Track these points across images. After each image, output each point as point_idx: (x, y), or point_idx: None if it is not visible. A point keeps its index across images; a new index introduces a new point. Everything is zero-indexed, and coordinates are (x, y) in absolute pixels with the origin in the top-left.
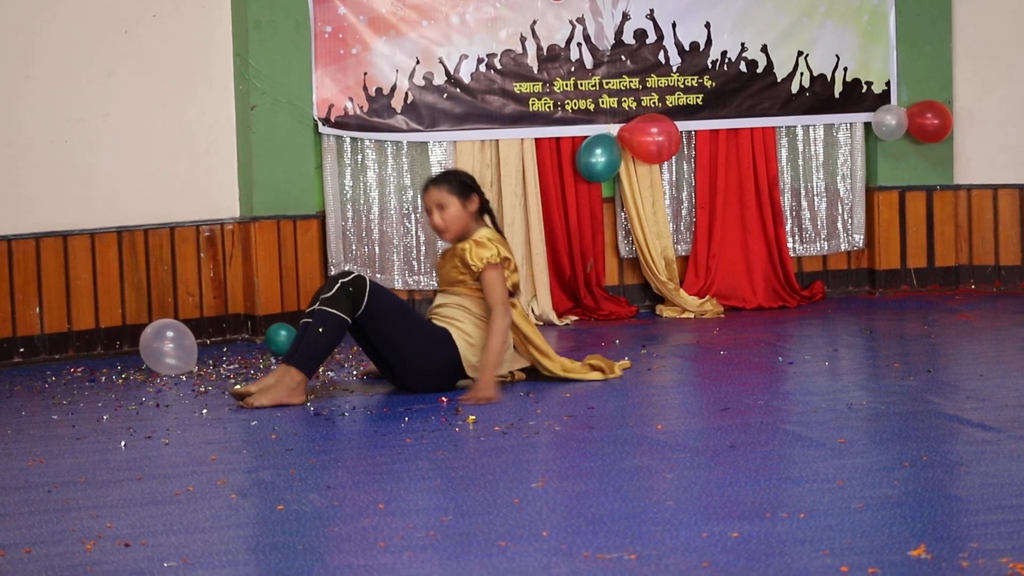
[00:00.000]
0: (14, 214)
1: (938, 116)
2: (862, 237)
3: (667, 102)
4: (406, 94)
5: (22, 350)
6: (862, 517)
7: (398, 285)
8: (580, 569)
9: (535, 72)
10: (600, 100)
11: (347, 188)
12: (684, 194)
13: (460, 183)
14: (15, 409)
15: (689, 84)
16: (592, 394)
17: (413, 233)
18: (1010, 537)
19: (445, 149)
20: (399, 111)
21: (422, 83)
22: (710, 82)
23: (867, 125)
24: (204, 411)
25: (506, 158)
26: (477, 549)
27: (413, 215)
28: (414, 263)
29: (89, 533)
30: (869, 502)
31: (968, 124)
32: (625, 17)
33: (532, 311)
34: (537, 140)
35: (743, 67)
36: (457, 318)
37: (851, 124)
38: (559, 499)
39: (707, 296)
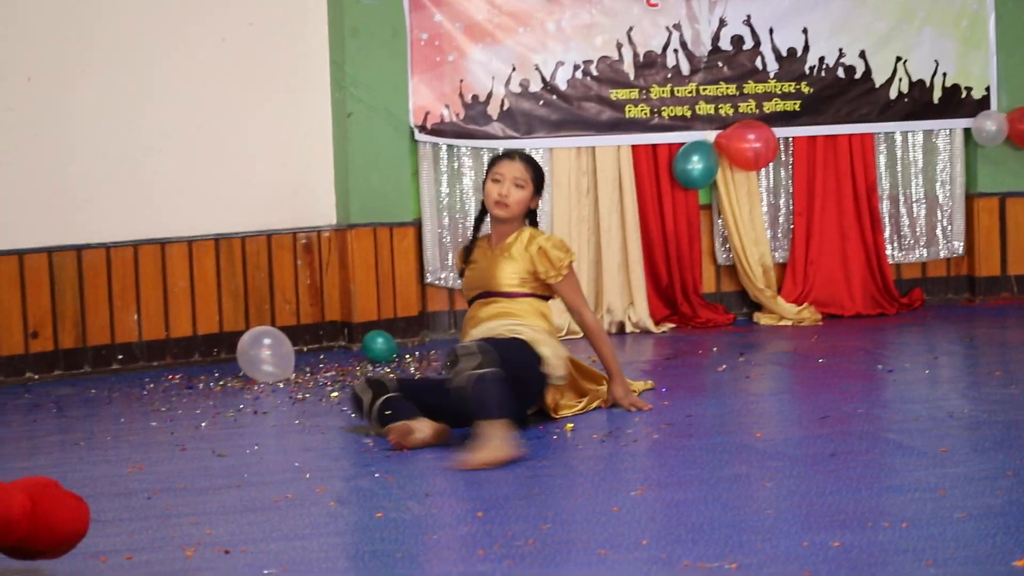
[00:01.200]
0: (113, 222)
1: None
2: (962, 244)
3: (764, 108)
4: (502, 101)
5: (120, 357)
6: (965, 527)
7: None
8: None
9: (631, 79)
10: (697, 106)
11: (443, 195)
12: (781, 200)
13: (541, 177)
14: (114, 416)
15: (786, 90)
16: (691, 402)
17: None
18: None
19: (541, 156)
20: (495, 118)
21: (518, 90)
22: (807, 88)
23: (966, 131)
24: (302, 418)
25: (602, 165)
26: (577, 558)
27: None
28: None
29: (189, 540)
30: (972, 512)
31: None
32: (722, 23)
33: (629, 318)
34: (633, 147)
35: (841, 73)
36: (527, 323)
37: (950, 130)
38: (658, 508)
39: (805, 303)
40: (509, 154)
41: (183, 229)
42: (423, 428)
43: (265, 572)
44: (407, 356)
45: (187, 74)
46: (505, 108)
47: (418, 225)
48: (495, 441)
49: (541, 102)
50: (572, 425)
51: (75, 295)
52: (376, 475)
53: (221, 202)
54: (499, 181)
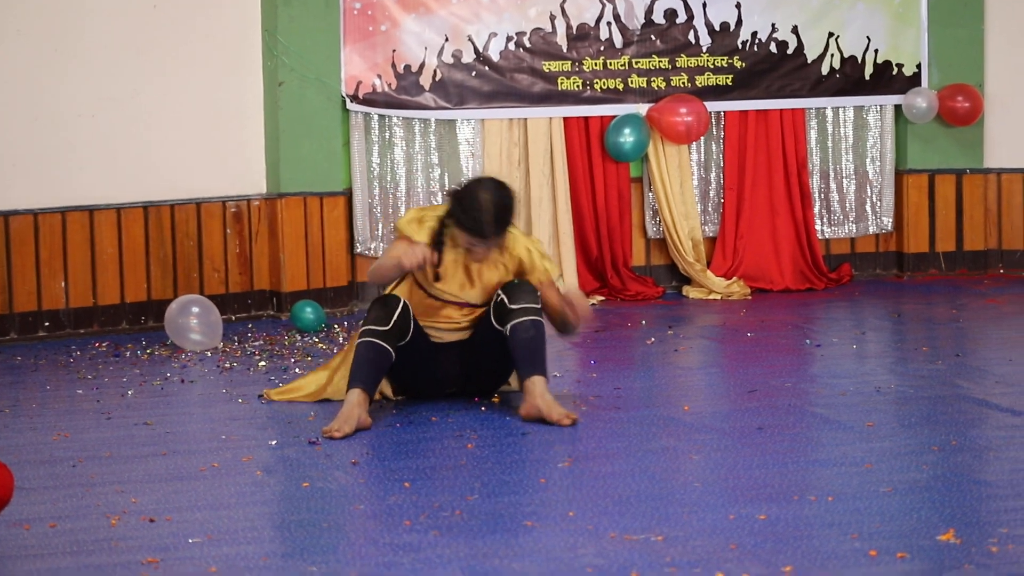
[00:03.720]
0: (40, 188)
1: (969, 99)
2: (891, 220)
3: (696, 82)
4: (435, 72)
5: (47, 324)
6: (891, 501)
7: None
8: (606, 549)
9: (564, 51)
10: (629, 80)
11: (374, 165)
12: (712, 175)
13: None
14: (40, 383)
15: (719, 64)
16: (619, 375)
17: None
18: None
19: (473, 127)
20: (427, 89)
21: (451, 61)
22: (740, 63)
23: (897, 107)
24: (229, 387)
25: (534, 137)
26: (503, 528)
27: (440, 193)
28: None
29: (114, 508)
30: (898, 486)
31: (999, 107)
32: None
33: (558, 291)
34: (565, 119)
35: (773, 48)
36: None
37: (881, 106)
38: (585, 480)
39: (734, 278)
40: (485, 234)
41: (112, 196)
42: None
43: (190, 541)
44: (335, 326)
45: (118, 40)
46: (437, 79)
47: (348, 195)
48: (549, 396)
49: (473, 73)
50: (499, 397)
51: (1, 262)
52: (303, 444)
53: (150, 169)
54: (477, 251)
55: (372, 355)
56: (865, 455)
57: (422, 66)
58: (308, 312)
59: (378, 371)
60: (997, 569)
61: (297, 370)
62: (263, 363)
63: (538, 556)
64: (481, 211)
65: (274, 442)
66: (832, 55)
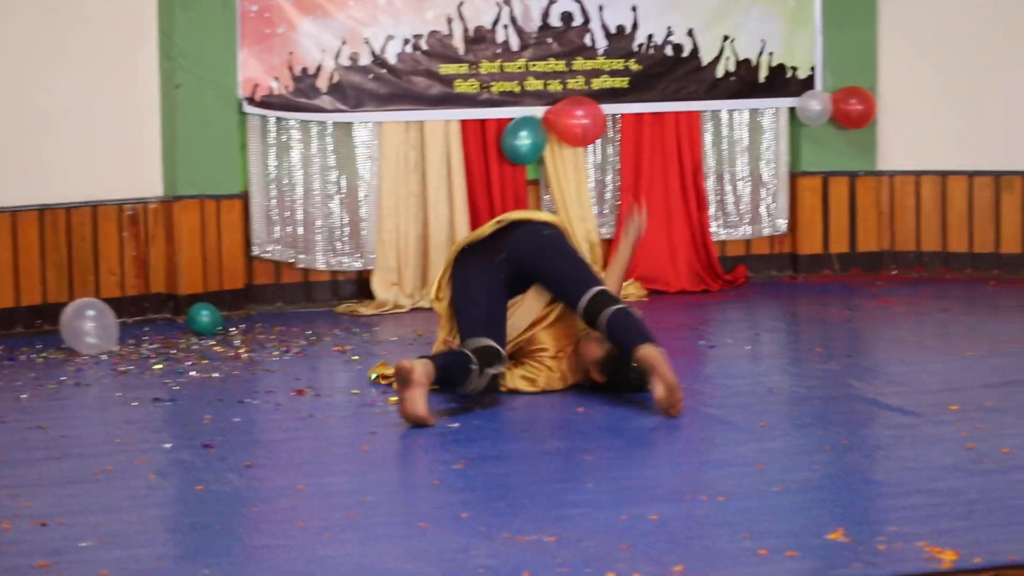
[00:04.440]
0: None
1: (862, 102)
2: (785, 222)
3: (593, 85)
4: (331, 74)
5: None
6: (782, 500)
7: (321, 266)
8: (499, 550)
9: (461, 54)
10: (526, 82)
11: (271, 168)
12: (608, 177)
13: None
14: None
15: (615, 67)
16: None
17: (337, 213)
18: (927, 521)
19: (370, 130)
20: (324, 91)
21: (348, 63)
22: (636, 65)
23: (792, 110)
24: (124, 391)
25: (431, 139)
26: (397, 530)
27: (338, 196)
28: (337, 244)
29: (5, 512)
30: (789, 485)
31: (892, 111)
32: None
33: None
34: (463, 122)
35: (669, 51)
36: None
37: (776, 109)
38: (479, 481)
39: (630, 279)
40: None
41: (6, 199)
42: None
43: (82, 544)
44: (232, 329)
45: (11, 42)
46: (334, 81)
47: (245, 198)
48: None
49: (370, 76)
50: (396, 398)
51: None
52: (197, 448)
53: (46, 172)
54: None
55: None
56: (757, 455)
57: (319, 69)
58: (204, 315)
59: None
60: (884, 567)
61: (193, 373)
62: (159, 366)
63: (431, 558)
64: None
65: (169, 445)
66: (727, 58)
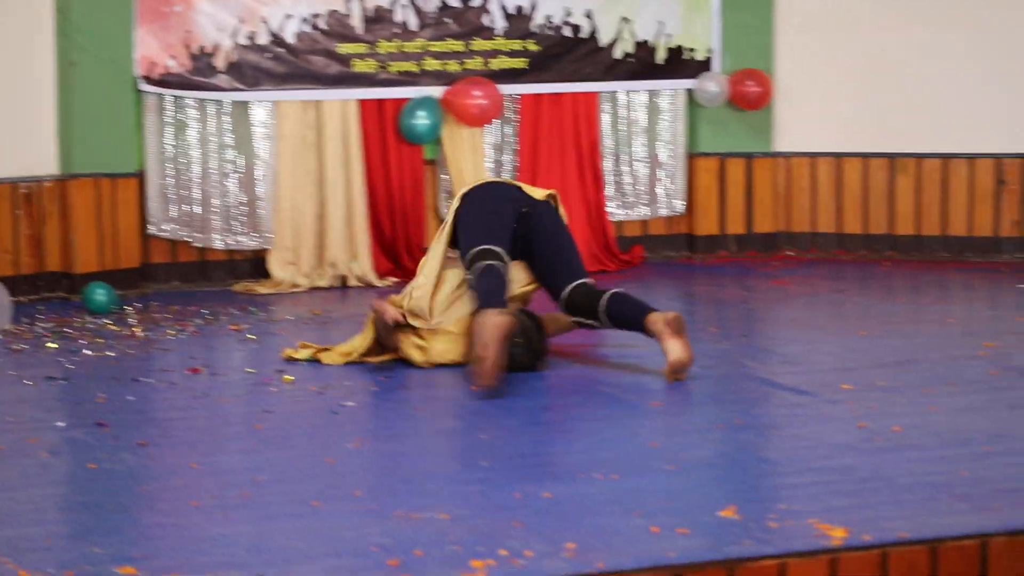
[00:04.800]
0: None
1: (759, 84)
2: (683, 203)
3: (491, 65)
4: (229, 53)
5: None
6: (675, 478)
7: (218, 245)
8: (392, 528)
9: (360, 33)
10: (424, 62)
11: (167, 147)
12: (506, 157)
13: None
14: None
15: (514, 48)
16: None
17: (235, 192)
18: (817, 499)
19: (268, 109)
20: (222, 70)
21: (246, 42)
22: (534, 46)
23: (689, 92)
24: (17, 369)
25: (329, 119)
26: (290, 509)
27: (236, 175)
28: (234, 223)
29: None
30: (682, 463)
31: (788, 93)
32: None
33: (352, 272)
34: (360, 101)
35: (567, 32)
36: None
37: (673, 91)
38: (373, 460)
39: None
40: None
41: None
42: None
43: None
44: (127, 307)
45: None
46: (232, 60)
47: (141, 176)
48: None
49: (268, 55)
50: (292, 377)
51: None
52: (91, 426)
53: None
54: None
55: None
56: (651, 433)
57: (216, 48)
58: (100, 294)
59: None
60: (775, 544)
61: (88, 352)
62: (53, 345)
63: (323, 536)
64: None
65: (62, 424)
66: (625, 40)
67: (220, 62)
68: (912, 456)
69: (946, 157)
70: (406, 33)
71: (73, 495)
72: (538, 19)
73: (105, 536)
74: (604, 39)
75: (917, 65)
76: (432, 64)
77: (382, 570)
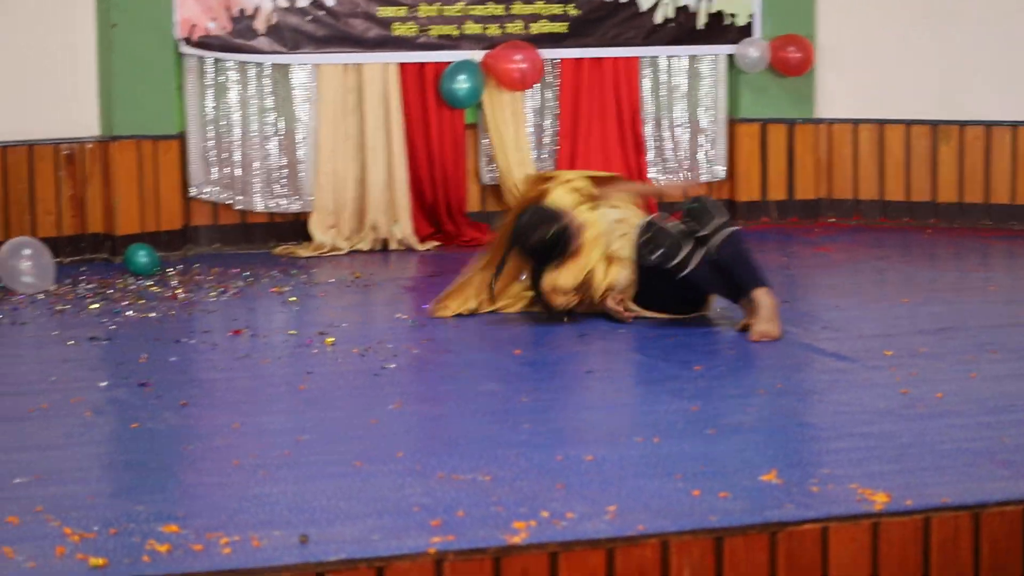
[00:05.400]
0: None
1: (800, 49)
2: (723, 168)
3: (531, 29)
4: (270, 16)
5: None
6: (715, 442)
7: (259, 207)
8: (433, 489)
9: None
10: (464, 26)
11: (208, 109)
12: (547, 122)
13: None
14: None
15: (554, 12)
16: (451, 320)
17: (275, 155)
18: (859, 464)
19: (308, 72)
20: (262, 33)
21: (286, 5)
22: (575, 10)
23: (730, 57)
24: (61, 329)
25: (369, 83)
26: (332, 470)
27: (276, 138)
28: (275, 186)
29: None
30: (723, 428)
31: (830, 59)
32: None
33: (393, 235)
34: (401, 65)
35: None
36: None
37: (714, 56)
38: (415, 421)
39: None
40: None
41: None
42: None
43: (15, 481)
44: (170, 270)
45: None
46: (272, 23)
47: (183, 139)
48: (775, 312)
49: (308, 18)
50: (333, 339)
51: None
52: (133, 386)
53: None
54: None
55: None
56: (692, 397)
57: (257, 10)
58: (142, 255)
59: None
60: (817, 508)
61: (130, 313)
62: (95, 306)
63: (365, 496)
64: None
65: (104, 384)
66: (666, 4)
67: (260, 24)
68: (954, 422)
69: (989, 124)
70: None
71: (116, 454)
72: None
73: (148, 495)
74: (645, 4)
75: (961, 30)
76: (472, 28)
77: (424, 530)
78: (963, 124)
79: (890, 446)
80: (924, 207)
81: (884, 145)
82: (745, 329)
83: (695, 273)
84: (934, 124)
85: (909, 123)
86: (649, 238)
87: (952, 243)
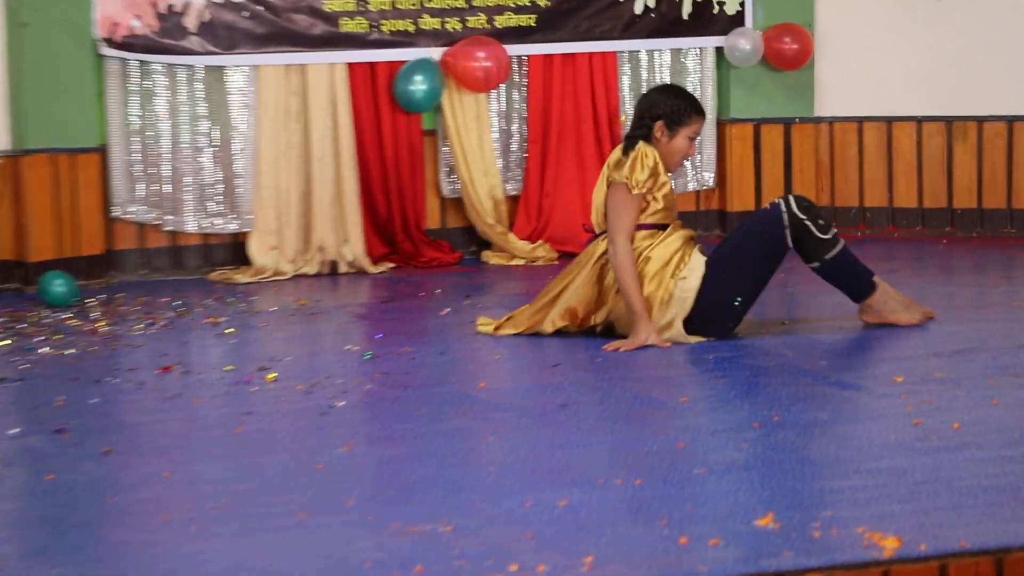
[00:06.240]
0: None
1: (797, 40)
2: (712, 175)
3: (496, 23)
4: (202, 12)
5: None
6: (704, 483)
7: (191, 228)
8: (388, 543)
9: None
10: (421, 20)
11: (133, 119)
12: (514, 127)
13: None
14: None
15: (520, 3)
16: (409, 350)
17: (209, 168)
18: (867, 504)
19: (246, 75)
20: (193, 31)
21: (220, 0)
22: (544, 1)
23: (719, 50)
24: None
25: (315, 85)
26: (274, 523)
27: (210, 149)
28: (209, 204)
29: None
30: (713, 467)
31: (830, 50)
32: None
33: (343, 257)
34: (350, 65)
35: None
36: None
37: (701, 49)
38: (367, 466)
39: (539, 241)
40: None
41: None
42: None
43: None
44: (90, 300)
45: None
46: (205, 20)
47: (104, 152)
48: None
49: (246, 13)
50: (275, 375)
51: None
52: (49, 433)
53: None
54: (693, 140)
55: None
56: (678, 433)
57: (187, 6)
58: (58, 285)
59: None
60: (819, 556)
61: (45, 350)
62: (5, 342)
63: (312, 552)
64: (684, 92)
65: (16, 430)
66: None
67: (191, 22)
68: (973, 456)
69: (1011, 120)
70: None
71: (28, 510)
72: None
73: (66, 555)
74: None
75: (977, 14)
76: (430, 22)
77: None
78: (981, 120)
79: (901, 484)
80: (938, 214)
81: (892, 145)
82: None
83: (834, 261)
84: (949, 120)
85: (921, 120)
86: (809, 206)
87: (971, 254)
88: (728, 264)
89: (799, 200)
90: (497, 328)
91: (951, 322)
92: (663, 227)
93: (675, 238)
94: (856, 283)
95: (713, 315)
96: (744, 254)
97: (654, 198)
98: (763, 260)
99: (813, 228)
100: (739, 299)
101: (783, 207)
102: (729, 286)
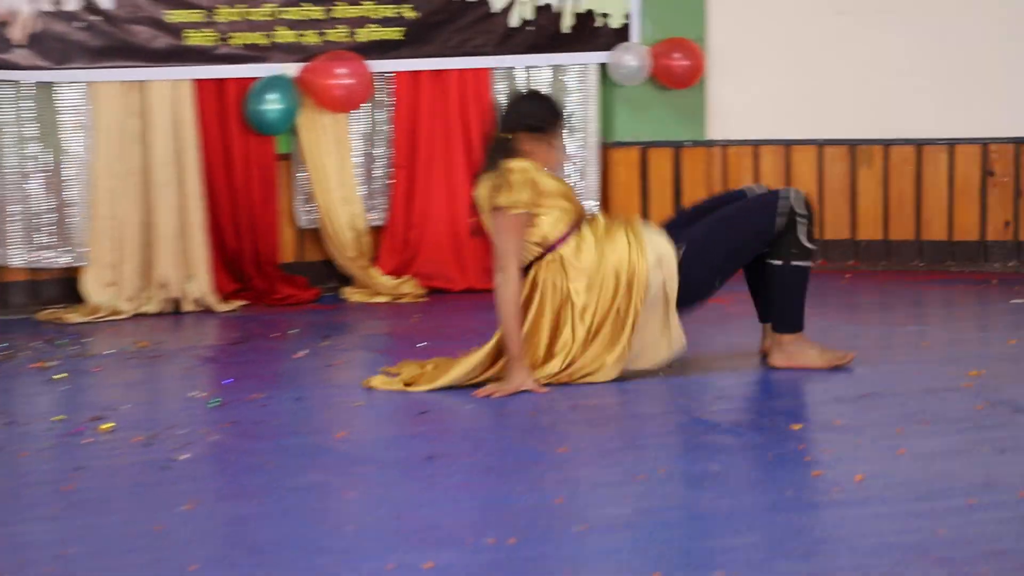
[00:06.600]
0: None
1: (688, 56)
2: (596, 204)
3: (358, 36)
4: (29, 22)
5: None
6: (584, 542)
7: (18, 262)
8: None
9: None
10: (275, 33)
11: None
12: (379, 150)
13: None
14: None
15: (386, 15)
16: (260, 397)
17: (39, 196)
18: (761, 565)
19: (80, 92)
20: (20, 43)
21: (51, 9)
22: (412, 13)
23: (603, 67)
24: None
25: (157, 104)
26: None
27: (40, 175)
28: (38, 235)
29: None
30: (594, 524)
31: (724, 68)
32: None
33: (188, 295)
34: (196, 82)
35: None
36: None
37: (583, 66)
38: (212, 525)
39: (405, 276)
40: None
41: None
42: None
43: None
44: None
45: None
46: (34, 31)
47: None
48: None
49: (80, 24)
50: (111, 425)
51: None
52: None
53: None
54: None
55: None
56: (556, 487)
57: (12, 15)
58: None
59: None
60: None
61: None
62: None
63: None
64: (548, 98)
65: None
66: (523, 4)
67: (17, 33)
68: (878, 511)
69: (920, 143)
70: None
71: None
72: None
73: None
74: (497, 3)
75: (882, 30)
76: (285, 35)
77: None
78: (888, 143)
79: (799, 542)
80: (841, 246)
81: (792, 171)
82: (764, 355)
83: (798, 267)
84: (852, 144)
85: (822, 144)
86: (810, 211)
87: (876, 290)
88: (717, 245)
89: (805, 199)
90: (408, 384)
91: (855, 364)
92: (578, 224)
93: (609, 236)
94: (790, 310)
95: (688, 294)
96: (733, 236)
97: (546, 207)
98: (748, 244)
99: (802, 231)
100: (719, 280)
101: (785, 195)
102: (712, 269)
